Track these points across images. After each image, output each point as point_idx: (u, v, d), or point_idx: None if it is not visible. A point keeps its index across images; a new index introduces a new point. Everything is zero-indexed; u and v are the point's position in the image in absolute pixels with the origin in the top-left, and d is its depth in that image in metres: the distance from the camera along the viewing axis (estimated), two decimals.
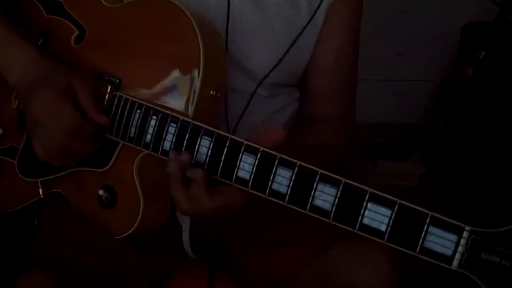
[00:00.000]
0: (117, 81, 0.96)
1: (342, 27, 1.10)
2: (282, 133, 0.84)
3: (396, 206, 0.75)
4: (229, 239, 1.10)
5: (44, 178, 1.04)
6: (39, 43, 1.05)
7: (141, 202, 0.95)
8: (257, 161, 0.83)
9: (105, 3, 1.00)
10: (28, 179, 1.05)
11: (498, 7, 2.58)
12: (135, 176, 0.95)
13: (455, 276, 0.75)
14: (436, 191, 2.44)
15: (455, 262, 0.72)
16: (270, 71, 1.05)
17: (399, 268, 0.96)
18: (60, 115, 0.92)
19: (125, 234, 0.98)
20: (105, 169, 0.97)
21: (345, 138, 1.12)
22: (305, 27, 1.05)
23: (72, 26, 1.03)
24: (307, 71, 1.12)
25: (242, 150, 0.84)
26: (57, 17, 1.05)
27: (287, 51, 1.05)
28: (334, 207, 0.78)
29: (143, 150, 0.93)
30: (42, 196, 1.06)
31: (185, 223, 1.07)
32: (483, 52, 2.52)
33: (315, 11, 1.06)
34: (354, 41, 1.13)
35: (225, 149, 0.85)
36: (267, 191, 0.83)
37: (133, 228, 0.97)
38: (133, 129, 0.93)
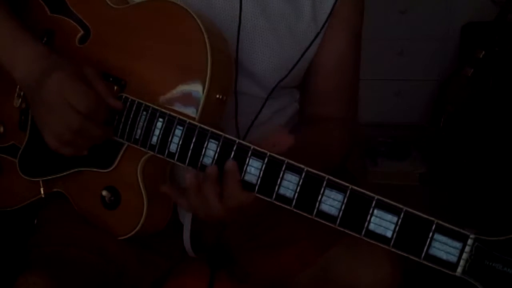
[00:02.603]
0: (123, 82, 0.96)
1: (345, 29, 1.10)
2: (289, 140, 0.84)
3: (402, 213, 0.75)
4: (230, 239, 1.10)
5: (46, 178, 1.04)
6: (43, 42, 1.04)
7: (145, 203, 0.95)
8: (264, 165, 0.83)
9: (110, 3, 1.00)
10: (30, 178, 1.05)
11: (498, 6, 2.58)
12: (139, 178, 0.95)
13: (455, 277, 0.75)
14: (436, 191, 2.44)
15: (459, 269, 0.73)
16: (281, 80, 1.06)
17: (399, 267, 0.96)
18: (75, 94, 0.90)
19: (128, 235, 0.98)
20: (109, 169, 0.97)
21: (348, 138, 1.12)
22: (314, 38, 1.06)
23: (77, 25, 1.02)
24: (310, 72, 1.12)
25: (250, 154, 0.84)
26: (62, 16, 1.04)
27: (299, 60, 1.06)
28: (340, 213, 0.79)
29: (149, 152, 0.93)
30: (43, 196, 1.06)
31: (186, 222, 1.07)
32: (483, 52, 2.52)
33: (323, 25, 1.06)
34: (357, 41, 1.13)
35: (232, 153, 0.85)
36: (274, 196, 0.83)
37: (136, 229, 0.97)
38: (139, 131, 0.93)
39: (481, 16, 2.67)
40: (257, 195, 0.84)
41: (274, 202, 0.83)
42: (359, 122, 1.18)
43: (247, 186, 0.85)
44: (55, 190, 1.05)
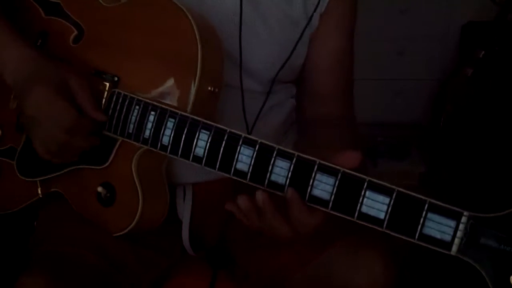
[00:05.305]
0: (116, 78, 0.97)
1: (340, 27, 1.11)
2: (358, 157, 0.81)
3: (394, 194, 0.75)
4: (229, 238, 1.10)
5: (42, 178, 1.04)
6: (38, 43, 1.05)
7: (140, 199, 0.95)
8: (255, 152, 0.83)
9: (103, 2, 1.01)
10: (27, 179, 1.05)
11: (498, 6, 2.58)
12: (134, 173, 0.95)
13: (450, 278, 0.74)
14: (436, 191, 2.43)
15: (454, 248, 0.72)
16: (278, 72, 1.06)
17: (392, 268, 0.95)
18: (56, 113, 0.93)
19: (124, 231, 0.97)
20: (104, 166, 0.98)
21: (349, 137, 1.11)
22: (304, 30, 1.06)
23: (71, 26, 1.03)
24: (309, 72, 1.12)
25: (241, 142, 0.84)
26: (56, 18, 1.05)
27: (291, 53, 1.06)
28: (332, 197, 0.78)
29: (142, 145, 0.93)
30: (41, 196, 1.06)
31: (185, 219, 1.07)
32: (483, 52, 2.52)
33: (312, 14, 1.06)
34: (351, 39, 1.14)
35: (224, 142, 0.85)
36: (266, 183, 0.83)
37: (132, 225, 0.96)
38: (131, 125, 0.93)
39: (481, 16, 2.67)
40: (249, 183, 0.84)
41: (266, 189, 0.83)
42: (358, 121, 1.18)
43: (239, 174, 0.84)
44: (53, 190, 1.05)
